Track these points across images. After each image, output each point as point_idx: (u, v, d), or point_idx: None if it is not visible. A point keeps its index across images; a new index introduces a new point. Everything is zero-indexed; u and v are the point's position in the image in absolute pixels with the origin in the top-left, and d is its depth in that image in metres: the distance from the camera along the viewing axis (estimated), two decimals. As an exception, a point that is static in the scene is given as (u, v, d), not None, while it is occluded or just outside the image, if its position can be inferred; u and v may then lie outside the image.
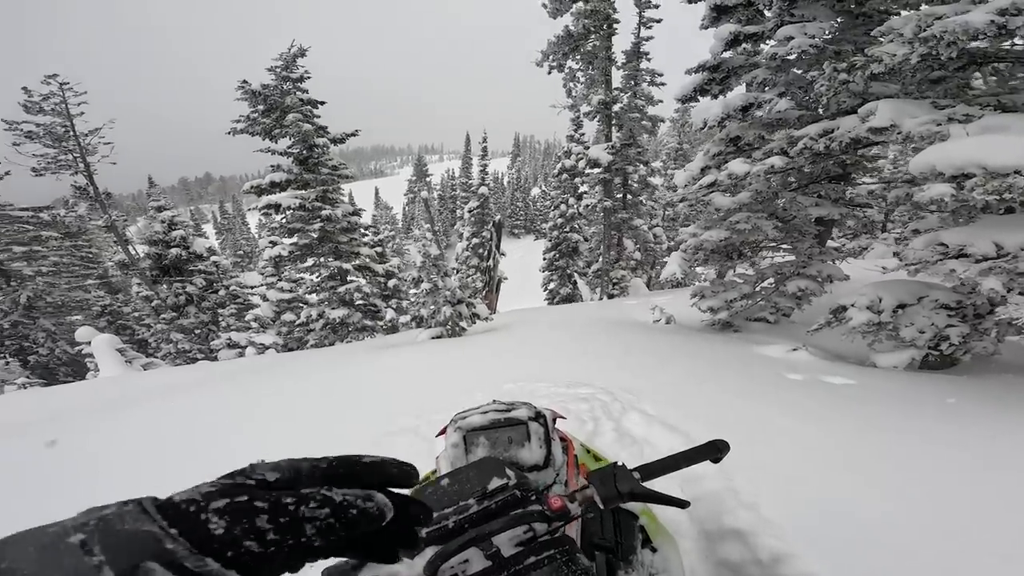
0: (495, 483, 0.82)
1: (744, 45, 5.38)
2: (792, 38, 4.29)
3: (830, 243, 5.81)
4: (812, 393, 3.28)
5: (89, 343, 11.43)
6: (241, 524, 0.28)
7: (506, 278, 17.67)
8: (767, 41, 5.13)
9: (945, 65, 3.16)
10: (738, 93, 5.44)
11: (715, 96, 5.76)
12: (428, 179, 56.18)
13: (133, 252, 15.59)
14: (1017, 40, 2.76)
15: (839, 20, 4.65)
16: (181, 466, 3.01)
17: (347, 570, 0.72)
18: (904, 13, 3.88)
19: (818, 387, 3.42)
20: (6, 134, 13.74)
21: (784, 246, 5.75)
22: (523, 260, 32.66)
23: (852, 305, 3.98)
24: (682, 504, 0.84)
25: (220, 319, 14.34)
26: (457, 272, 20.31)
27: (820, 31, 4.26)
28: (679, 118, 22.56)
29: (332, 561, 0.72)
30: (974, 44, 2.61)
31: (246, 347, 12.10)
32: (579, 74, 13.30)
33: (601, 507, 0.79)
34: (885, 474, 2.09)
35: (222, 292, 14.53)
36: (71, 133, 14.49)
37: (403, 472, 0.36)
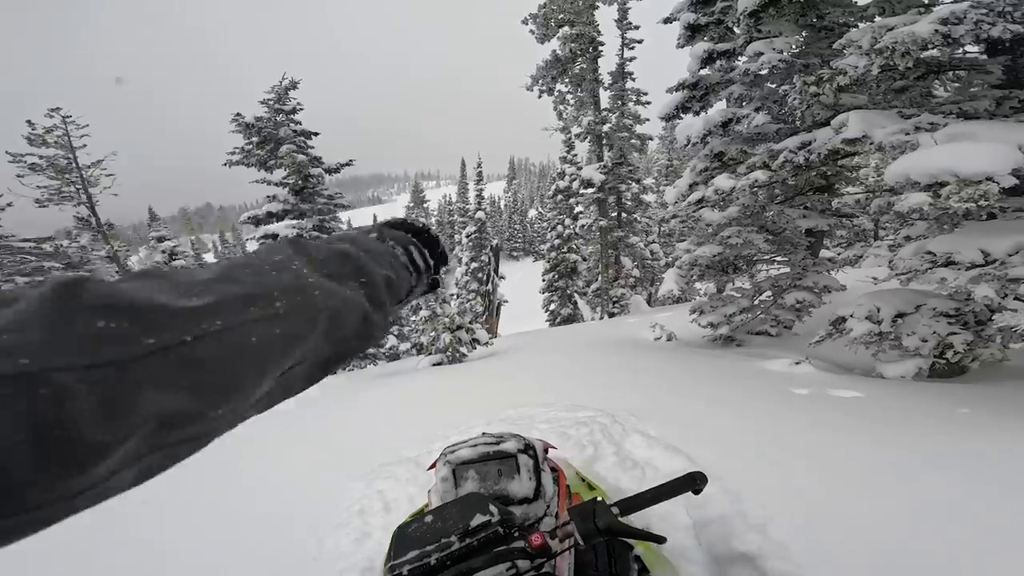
0: (478, 520, 0.83)
1: (719, 62, 5.51)
2: (761, 54, 4.40)
3: (825, 253, 5.82)
4: (819, 408, 3.21)
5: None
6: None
7: (506, 301, 17.68)
8: (739, 57, 5.26)
9: (905, 75, 3.24)
10: (718, 109, 5.55)
11: (696, 113, 5.88)
12: (425, 205, 56.89)
13: (135, 283, 15.74)
14: (969, 48, 2.84)
15: (804, 34, 4.78)
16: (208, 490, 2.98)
17: None
18: (861, 25, 3.99)
19: (825, 401, 3.35)
20: (9, 166, 14.03)
21: (778, 258, 5.77)
22: (523, 282, 32.70)
23: (851, 316, 3.96)
24: (658, 540, 0.83)
25: (225, 349, 14.32)
26: (457, 297, 20.33)
27: (787, 46, 4.38)
28: (667, 135, 22.97)
29: None
30: (927, 54, 2.68)
31: (250, 377, 12.07)
32: (568, 96, 13.67)
33: (581, 543, 0.79)
34: (897, 492, 2.04)
35: (225, 322, 14.55)
36: (74, 165, 14.80)
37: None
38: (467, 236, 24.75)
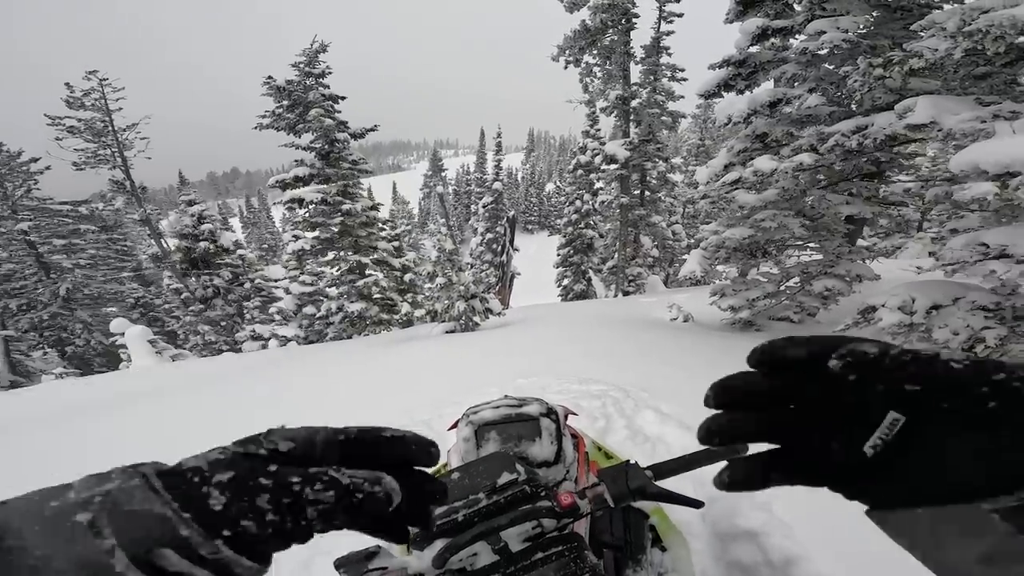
0: (505, 478, 0.82)
1: (772, 40, 5.23)
2: (824, 32, 4.15)
3: (861, 242, 5.62)
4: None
5: (123, 334, 11.80)
6: (240, 502, 0.27)
7: (519, 273, 17.65)
8: (796, 35, 4.98)
9: (991, 61, 3.01)
10: (766, 89, 5.30)
11: (740, 92, 5.63)
12: (443, 174, 56.38)
13: (165, 245, 16.00)
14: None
15: (875, 14, 4.49)
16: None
17: (359, 560, 0.72)
18: (947, 7, 3.71)
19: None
20: (46, 130, 14.18)
21: (811, 245, 5.61)
22: (537, 256, 32.56)
23: (883, 305, 3.85)
24: (696, 504, 0.82)
25: (245, 311, 14.65)
26: (471, 267, 20.37)
27: (854, 25, 4.10)
28: (701, 114, 22.16)
29: (345, 550, 0.72)
30: (1023, 39, 2.48)
31: (269, 339, 12.37)
32: (596, 69, 13.14)
33: (612, 505, 0.78)
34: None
35: (247, 285, 14.82)
36: (110, 128, 14.88)
37: (424, 450, 0.34)
38: (483, 206, 24.56)
